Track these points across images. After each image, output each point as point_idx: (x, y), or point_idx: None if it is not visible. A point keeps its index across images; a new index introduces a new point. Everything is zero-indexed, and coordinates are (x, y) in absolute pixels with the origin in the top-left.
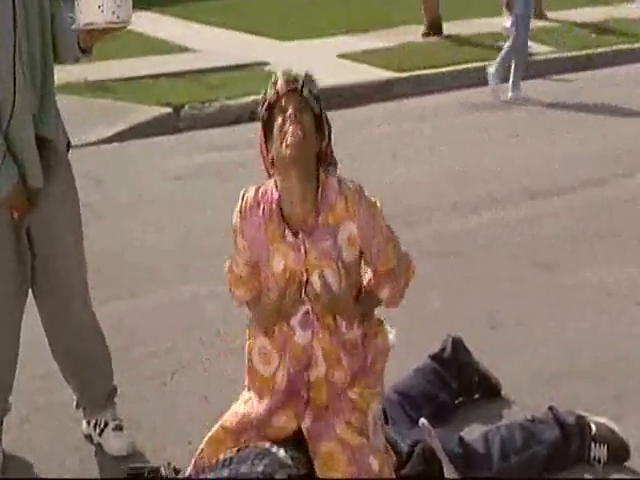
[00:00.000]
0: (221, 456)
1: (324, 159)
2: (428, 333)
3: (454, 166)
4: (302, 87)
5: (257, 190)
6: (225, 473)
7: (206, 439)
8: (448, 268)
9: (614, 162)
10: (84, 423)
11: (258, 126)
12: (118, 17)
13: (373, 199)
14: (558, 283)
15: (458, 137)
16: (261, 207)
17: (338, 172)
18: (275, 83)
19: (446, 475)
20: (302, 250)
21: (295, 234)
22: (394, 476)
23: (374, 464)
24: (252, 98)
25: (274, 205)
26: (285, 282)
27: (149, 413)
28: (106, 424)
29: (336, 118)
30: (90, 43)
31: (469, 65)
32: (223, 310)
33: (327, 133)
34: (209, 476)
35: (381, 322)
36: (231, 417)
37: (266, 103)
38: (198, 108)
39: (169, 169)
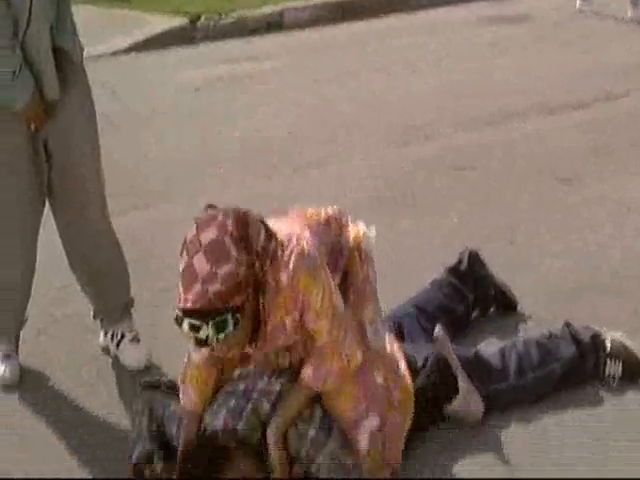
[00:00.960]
0: (236, 372)
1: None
2: (446, 248)
3: (471, 79)
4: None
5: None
6: (241, 387)
7: None
8: (465, 182)
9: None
10: (101, 335)
11: (275, 38)
12: None
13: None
14: (578, 197)
15: (476, 50)
16: None
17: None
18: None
19: (460, 384)
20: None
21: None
22: (408, 381)
23: (377, 377)
24: (269, 10)
25: None
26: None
27: (165, 325)
28: (123, 336)
29: (350, 29)
30: None
31: None
32: None
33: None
34: (227, 389)
35: (358, 243)
36: None
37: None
38: (214, 19)
39: (185, 80)
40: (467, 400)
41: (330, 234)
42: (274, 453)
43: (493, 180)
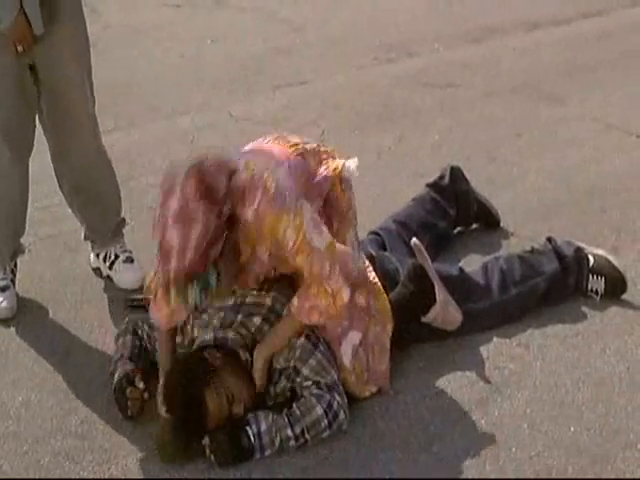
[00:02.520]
0: None
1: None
2: (427, 164)
3: None
4: None
5: None
6: (230, 302)
7: None
8: (447, 99)
9: None
10: (92, 256)
11: None
12: None
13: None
14: (558, 115)
15: None
16: None
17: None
18: None
19: (437, 296)
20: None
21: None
22: (388, 312)
23: (359, 298)
24: None
25: None
26: None
27: (153, 244)
28: (117, 256)
29: None
30: None
31: None
32: (221, 141)
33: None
34: (215, 305)
35: (339, 172)
36: None
37: None
38: None
39: None
40: (444, 310)
41: (308, 165)
42: (258, 378)
43: (475, 97)
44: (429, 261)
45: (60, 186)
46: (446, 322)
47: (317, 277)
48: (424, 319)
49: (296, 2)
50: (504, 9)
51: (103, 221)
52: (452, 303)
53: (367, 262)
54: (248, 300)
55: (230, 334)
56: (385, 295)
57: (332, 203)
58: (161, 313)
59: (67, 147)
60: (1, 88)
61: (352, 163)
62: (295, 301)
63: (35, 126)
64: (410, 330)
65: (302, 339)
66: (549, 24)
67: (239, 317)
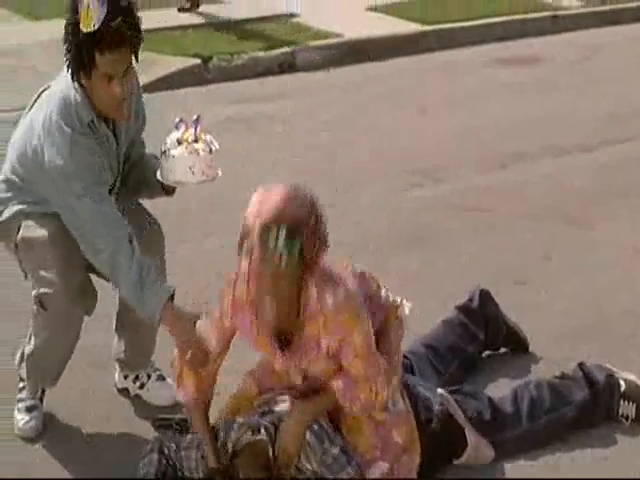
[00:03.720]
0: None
1: (311, 269)
2: (456, 286)
3: (480, 122)
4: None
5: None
6: (268, 419)
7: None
8: (475, 223)
9: None
10: (118, 376)
11: (287, 79)
12: (208, 176)
13: (357, 312)
14: (586, 239)
15: (487, 91)
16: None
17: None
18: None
19: (468, 439)
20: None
21: (281, 345)
22: (417, 445)
23: (396, 437)
24: (281, 50)
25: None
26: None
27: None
28: (149, 376)
29: (362, 71)
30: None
31: (497, 19)
32: None
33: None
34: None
35: (395, 309)
36: (258, 367)
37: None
38: (227, 60)
39: None
40: (476, 452)
41: (369, 287)
42: (291, 445)
43: (503, 222)
44: (458, 410)
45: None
46: (478, 461)
47: (368, 377)
48: (456, 462)
49: (324, 127)
50: (531, 135)
51: (145, 348)
52: (483, 442)
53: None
54: (277, 409)
55: (263, 424)
56: (417, 435)
57: (384, 333)
58: (187, 390)
59: None
60: None
61: (407, 306)
62: (339, 384)
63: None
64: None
65: (337, 450)
66: (577, 150)
67: (267, 420)
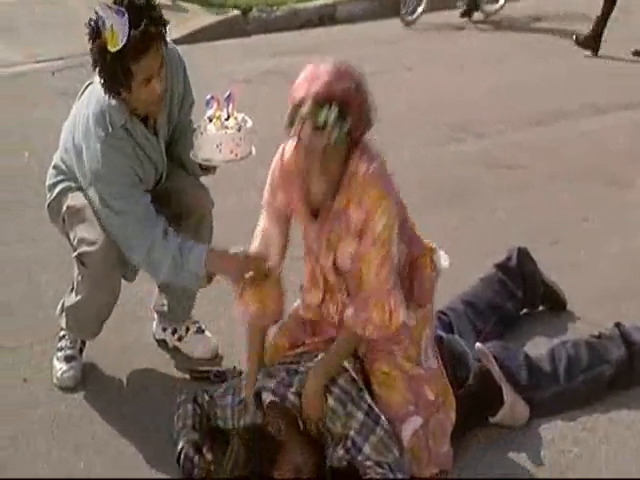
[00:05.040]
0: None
1: (356, 146)
2: (494, 244)
3: (523, 79)
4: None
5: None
6: (293, 389)
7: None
8: (514, 180)
9: None
10: (157, 328)
11: (327, 31)
12: (237, 155)
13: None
14: (626, 200)
15: (526, 50)
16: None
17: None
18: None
19: (505, 397)
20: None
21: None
22: (452, 402)
23: (429, 393)
24: (321, 2)
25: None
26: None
27: (219, 317)
28: (187, 329)
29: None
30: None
31: None
32: None
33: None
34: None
35: (431, 250)
36: (289, 319)
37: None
38: (266, 11)
39: (236, 73)
40: (512, 411)
41: (405, 212)
42: (313, 407)
43: (541, 180)
44: (495, 366)
45: None
46: (514, 420)
47: (380, 286)
48: (492, 420)
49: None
50: (571, 93)
51: (183, 302)
52: (519, 401)
53: (437, 352)
54: (302, 369)
55: (290, 395)
56: (451, 392)
57: (418, 267)
58: (249, 309)
59: None
60: None
61: (445, 258)
62: (350, 311)
63: None
64: (474, 423)
65: (361, 415)
66: (617, 108)
67: (297, 381)
